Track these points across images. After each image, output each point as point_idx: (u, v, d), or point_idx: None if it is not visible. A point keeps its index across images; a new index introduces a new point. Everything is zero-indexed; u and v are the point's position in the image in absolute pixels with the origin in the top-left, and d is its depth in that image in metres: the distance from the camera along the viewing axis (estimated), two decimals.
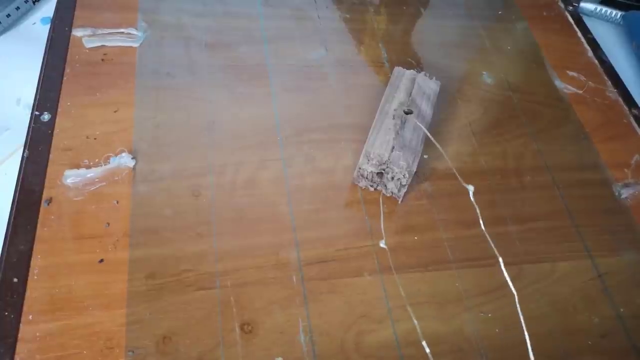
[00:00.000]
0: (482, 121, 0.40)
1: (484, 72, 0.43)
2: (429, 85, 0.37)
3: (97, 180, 0.32)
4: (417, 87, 0.36)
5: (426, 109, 0.36)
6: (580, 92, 0.43)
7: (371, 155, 0.32)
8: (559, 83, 0.44)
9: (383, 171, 0.32)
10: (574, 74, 0.44)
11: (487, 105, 0.41)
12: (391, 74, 0.38)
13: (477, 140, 0.38)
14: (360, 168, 0.33)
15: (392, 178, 0.32)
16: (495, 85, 0.42)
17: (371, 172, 0.33)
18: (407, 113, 0.34)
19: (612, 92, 0.44)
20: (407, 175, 0.32)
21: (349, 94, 0.40)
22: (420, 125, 0.34)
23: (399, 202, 0.34)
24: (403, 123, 0.34)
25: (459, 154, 0.37)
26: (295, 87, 0.39)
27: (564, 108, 0.42)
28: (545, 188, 0.36)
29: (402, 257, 0.31)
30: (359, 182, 0.34)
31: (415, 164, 0.32)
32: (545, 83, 0.43)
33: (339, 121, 0.38)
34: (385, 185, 0.33)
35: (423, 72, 0.38)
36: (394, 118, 0.34)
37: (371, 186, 0.34)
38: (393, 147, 0.32)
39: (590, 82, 0.44)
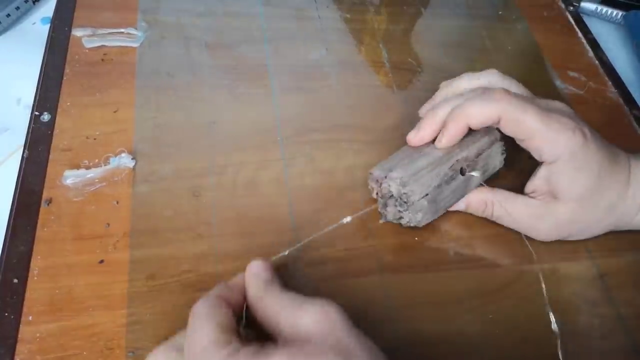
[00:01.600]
0: None
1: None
2: (495, 159, 0.33)
3: (97, 180, 0.32)
4: (486, 154, 0.32)
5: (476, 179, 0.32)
6: (581, 92, 0.43)
7: (403, 181, 0.29)
8: (559, 83, 0.43)
9: (397, 198, 0.30)
10: (575, 74, 0.44)
11: None
12: None
13: None
14: (387, 179, 0.30)
15: (397, 203, 0.30)
16: None
17: (389, 192, 0.30)
18: (462, 172, 0.31)
19: (612, 93, 0.44)
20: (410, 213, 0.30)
21: (349, 94, 0.40)
22: (483, 184, 0.31)
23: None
24: (451, 178, 0.31)
25: None
26: (295, 87, 0.39)
27: None
28: None
29: (402, 257, 0.31)
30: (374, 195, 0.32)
31: (426, 218, 0.30)
32: (546, 83, 0.43)
33: (339, 121, 0.38)
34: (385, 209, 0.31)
35: (501, 142, 0.33)
36: (451, 168, 0.30)
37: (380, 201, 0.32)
38: (426, 195, 0.30)
39: (591, 83, 0.44)
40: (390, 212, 0.31)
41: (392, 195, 0.30)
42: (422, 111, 0.34)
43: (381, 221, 0.32)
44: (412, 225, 0.31)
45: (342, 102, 0.39)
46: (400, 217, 0.31)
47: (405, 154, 0.31)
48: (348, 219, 0.30)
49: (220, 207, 0.32)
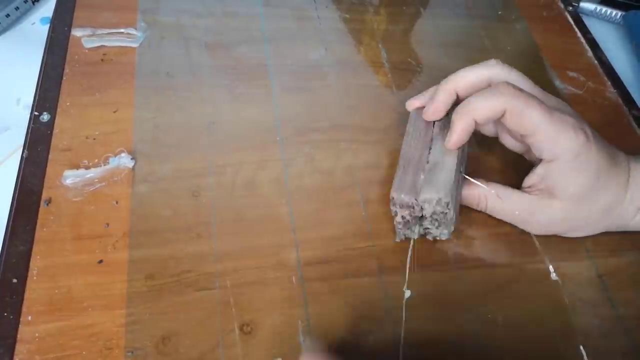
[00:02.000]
0: None
1: None
2: (466, 145, 0.33)
3: (96, 180, 0.32)
4: (465, 144, 0.32)
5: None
6: (580, 92, 0.43)
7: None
8: (558, 83, 0.43)
9: (429, 218, 0.30)
10: (574, 74, 0.44)
11: None
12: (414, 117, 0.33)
13: (476, 141, 0.38)
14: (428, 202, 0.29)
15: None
16: None
17: (421, 213, 0.30)
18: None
19: (612, 93, 0.44)
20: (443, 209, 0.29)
21: (349, 94, 0.40)
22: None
23: None
24: (458, 182, 0.31)
25: None
26: (295, 87, 0.39)
27: None
28: None
29: (402, 258, 0.31)
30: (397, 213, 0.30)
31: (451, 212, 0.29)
32: (545, 83, 0.43)
33: (339, 121, 0.38)
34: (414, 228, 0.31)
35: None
36: (459, 172, 0.31)
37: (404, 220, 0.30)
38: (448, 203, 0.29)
39: (590, 83, 0.44)
40: (416, 231, 0.31)
41: (424, 215, 0.30)
42: (411, 102, 0.34)
43: (397, 240, 0.31)
44: (443, 238, 0.31)
45: (342, 102, 0.39)
46: (427, 233, 0.31)
47: (412, 167, 0.30)
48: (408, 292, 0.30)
49: (220, 207, 0.32)
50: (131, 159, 0.33)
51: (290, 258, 0.31)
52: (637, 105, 0.43)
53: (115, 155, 0.33)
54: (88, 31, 0.39)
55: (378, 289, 0.30)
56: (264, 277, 0.30)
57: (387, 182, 0.34)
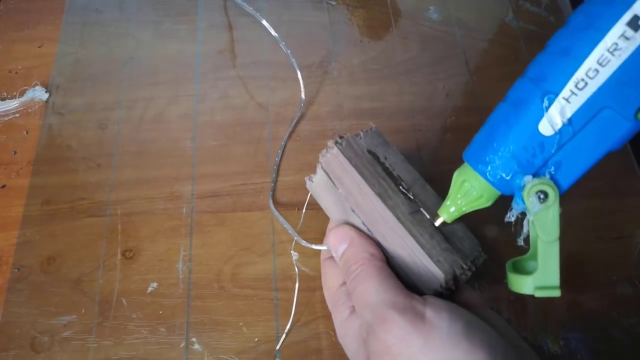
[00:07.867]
0: (416, 60, 0.37)
1: (431, 7, 0.40)
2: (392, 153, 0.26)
3: (11, 111, 0.33)
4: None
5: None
6: (537, 28, 0.39)
7: None
8: (511, 19, 0.40)
9: None
10: (535, 9, 0.40)
11: (426, 43, 0.38)
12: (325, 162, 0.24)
13: (407, 79, 0.36)
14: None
15: None
16: (441, 21, 0.39)
17: None
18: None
19: None
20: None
21: (279, 29, 0.38)
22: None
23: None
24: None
25: (383, 93, 0.36)
26: (222, 24, 0.38)
27: (514, 47, 0.39)
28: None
29: (293, 194, 0.31)
30: None
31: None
32: (498, 19, 0.40)
33: (262, 58, 0.37)
34: None
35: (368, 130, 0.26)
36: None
37: None
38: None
39: (551, 17, 0.40)
40: None
41: None
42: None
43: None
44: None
45: (269, 38, 0.38)
46: None
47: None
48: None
49: (125, 140, 0.33)
50: (45, 92, 0.34)
51: (185, 191, 0.31)
52: None
53: (31, 88, 0.34)
54: None
55: (266, 223, 0.30)
56: (154, 208, 0.30)
57: (303, 118, 0.34)
